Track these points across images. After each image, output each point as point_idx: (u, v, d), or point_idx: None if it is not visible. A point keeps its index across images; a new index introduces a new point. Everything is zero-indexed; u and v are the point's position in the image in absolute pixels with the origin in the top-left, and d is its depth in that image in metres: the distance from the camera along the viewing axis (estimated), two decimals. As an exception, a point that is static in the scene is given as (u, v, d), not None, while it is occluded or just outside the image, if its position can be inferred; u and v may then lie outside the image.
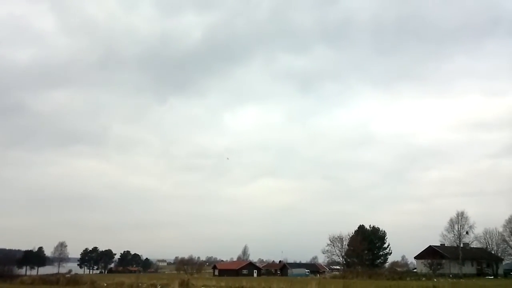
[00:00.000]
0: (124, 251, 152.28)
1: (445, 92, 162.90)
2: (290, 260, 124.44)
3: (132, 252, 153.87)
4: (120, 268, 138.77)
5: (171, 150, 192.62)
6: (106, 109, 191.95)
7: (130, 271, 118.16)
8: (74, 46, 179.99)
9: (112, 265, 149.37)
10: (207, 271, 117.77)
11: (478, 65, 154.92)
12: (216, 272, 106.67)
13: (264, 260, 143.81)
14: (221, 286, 30.06)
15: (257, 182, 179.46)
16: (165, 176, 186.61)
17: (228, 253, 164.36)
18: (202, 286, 29.62)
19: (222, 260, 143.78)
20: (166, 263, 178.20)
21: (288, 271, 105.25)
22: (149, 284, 28.89)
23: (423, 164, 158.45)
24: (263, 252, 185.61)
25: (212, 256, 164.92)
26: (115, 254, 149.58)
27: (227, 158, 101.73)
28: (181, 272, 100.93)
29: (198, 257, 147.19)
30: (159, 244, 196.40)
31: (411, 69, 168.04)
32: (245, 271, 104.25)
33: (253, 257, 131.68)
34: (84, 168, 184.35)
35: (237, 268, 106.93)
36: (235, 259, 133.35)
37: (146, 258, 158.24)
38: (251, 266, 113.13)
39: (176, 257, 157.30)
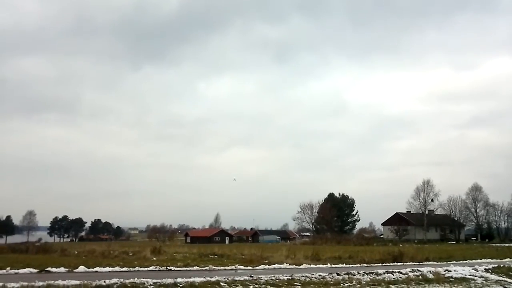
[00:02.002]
0: (95, 220, 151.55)
1: (417, 64, 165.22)
2: (262, 228, 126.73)
3: (103, 221, 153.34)
4: (91, 236, 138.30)
5: (145, 118, 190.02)
6: (78, 77, 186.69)
7: (101, 239, 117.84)
8: (44, 12, 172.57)
9: (83, 233, 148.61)
10: (179, 238, 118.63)
11: (449, 39, 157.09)
12: (188, 240, 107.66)
13: (236, 227, 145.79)
14: (193, 253, 30.39)
15: (230, 151, 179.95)
16: (138, 144, 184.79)
17: (200, 221, 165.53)
18: (174, 253, 29.88)
19: (194, 228, 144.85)
20: (137, 231, 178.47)
21: (260, 238, 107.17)
22: (121, 252, 28.95)
23: (393, 134, 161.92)
24: (235, 220, 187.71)
25: (184, 224, 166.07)
26: (85, 223, 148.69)
27: (234, 179, 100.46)
28: (153, 240, 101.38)
29: (170, 225, 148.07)
30: (131, 213, 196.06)
31: (385, 42, 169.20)
32: (217, 239, 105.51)
33: (225, 225, 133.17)
34: (54, 136, 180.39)
35: (209, 236, 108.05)
36: (207, 227, 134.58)
37: (118, 226, 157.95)
38: (223, 233, 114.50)
39: (148, 225, 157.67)
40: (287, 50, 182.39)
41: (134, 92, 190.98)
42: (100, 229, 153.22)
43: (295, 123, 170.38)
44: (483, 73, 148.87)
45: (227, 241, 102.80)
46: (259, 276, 15.57)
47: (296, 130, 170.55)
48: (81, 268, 17.44)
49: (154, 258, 24.99)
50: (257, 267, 20.27)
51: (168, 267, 19.21)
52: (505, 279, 17.51)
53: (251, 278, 15.24)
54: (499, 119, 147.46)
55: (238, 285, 13.81)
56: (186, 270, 18.55)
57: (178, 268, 19.18)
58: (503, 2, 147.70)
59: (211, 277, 14.74)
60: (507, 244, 61.21)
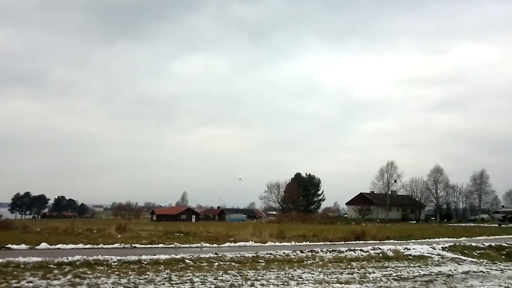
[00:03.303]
0: (59, 197, 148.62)
1: (388, 49, 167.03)
2: (229, 206, 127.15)
3: (67, 198, 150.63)
4: (54, 214, 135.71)
5: (115, 95, 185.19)
6: (47, 51, 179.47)
7: (65, 217, 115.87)
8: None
9: (46, 210, 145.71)
10: (145, 216, 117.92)
11: (420, 24, 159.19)
12: (154, 218, 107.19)
13: (203, 206, 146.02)
14: (158, 231, 30.31)
15: (201, 130, 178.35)
16: (107, 121, 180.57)
17: (167, 199, 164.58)
18: (140, 231, 29.72)
19: (160, 206, 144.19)
20: (102, 209, 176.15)
21: (226, 216, 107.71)
22: (85, 229, 28.54)
23: (362, 116, 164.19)
24: (202, 198, 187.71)
25: (150, 202, 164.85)
26: (48, 200, 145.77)
27: (240, 179, 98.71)
28: (118, 217, 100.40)
29: (136, 203, 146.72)
30: (96, 190, 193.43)
31: (358, 25, 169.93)
32: (183, 217, 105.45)
33: (192, 203, 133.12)
34: (20, 110, 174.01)
35: (175, 214, 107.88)
36: (173, 205, 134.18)
37: (82, 204, 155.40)
38: (189, 211, 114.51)
39: (113, 202, 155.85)
40: (262, 30, 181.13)
41: (104, 68, 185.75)
42: (64, 206, 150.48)
43: (267, 103, 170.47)
44: (452, 58, 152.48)
45: (193, 220, 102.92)
46: (224, 254, 15.71)
47: (268, 110, 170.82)
48: (43, 245, 17.15)
49: (119, 236, 24.79)
50: (223, 245, 20.43)
51: (132, 245, 19.12)
52: (460, 256, 18.29)
53: (216, 255, 15.35)
54: (464, 104, 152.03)
55: (203, 262, 13.91)
56: (151, 247, 18.52)
57: (143, 246, 19.12)
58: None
59: (176, 255, 14.78)
60: (463, 224, 63.80)
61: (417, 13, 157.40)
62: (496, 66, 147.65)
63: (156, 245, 19.45)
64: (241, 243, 21.18)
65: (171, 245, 19.43)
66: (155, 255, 14.35)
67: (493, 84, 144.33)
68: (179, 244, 19.87)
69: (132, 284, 9.81)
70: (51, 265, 11.85)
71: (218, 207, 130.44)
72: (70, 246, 17.53)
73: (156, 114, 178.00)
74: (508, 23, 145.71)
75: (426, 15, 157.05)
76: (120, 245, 18.87)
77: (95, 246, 17.97)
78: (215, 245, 20.34)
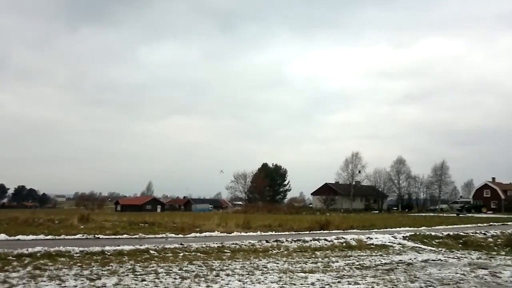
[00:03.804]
0: (19, 186, 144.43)
1: (357, 41, 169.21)
2: (195, 196, 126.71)
3: (28, 187, 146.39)
4: (14, 204, 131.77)
5: (80, 82, 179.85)
6: (7, 35, 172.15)
7: (26, 207, 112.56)
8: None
9: (5, 200, 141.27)
10: (109, 206, 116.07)
11: (388, 17, 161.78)
12: (119, 208, 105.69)
13: (169, 196, 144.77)
14: (122, 221, 29.88)
15: (168, 119, 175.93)
16: (71, 109, 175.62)
17: (132, 189, 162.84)
18: (103, 221, 29.24)
19: (125, 196, 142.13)
20: (65, 199, 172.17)
21: (192, 206, 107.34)
22: (46, 220, 27.83)
23: (329, 108, 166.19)
24: (168, 188, 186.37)
25: (114, 192, 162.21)
26: (8, 189, 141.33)
27: (221, 171, 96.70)
28: (81, 207, 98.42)
29: (100, 193, 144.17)
30: (59, 179, 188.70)
31: (328, 17, 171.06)
32: (148, 207, 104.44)
33: (158, 193, 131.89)
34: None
35: (140, 204, 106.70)
36: (138, 195, 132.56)
37: (44, 194, 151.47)
38: (154, 201, 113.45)
39: (76, 192, 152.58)
40: (233, 20, 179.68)
41: (69, 54, 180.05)
42: (25, 196, 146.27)
43: (236, 93, 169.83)
44: (417, 52, 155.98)
45: (159, 210, 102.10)
46: (190, 244, 15.67)
47: (236, 100, 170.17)
48: (2, 236, 16.66)
49: (82, 226, 24.33)
50: (188, 235, 20.39)
51: (96, 235, 18.80)
52: (420, 245, 18.86)
53: (181, 246, 15.30)
54: (427, 97, 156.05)
55: (168, 253, 13.83)
56: (115, 238, 18.27)
57: (107, 236, 18.84)
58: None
59: (141, 245, 14.63)
60: (424, 214, 65.81)
61: (385, 6, 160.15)
62: (460, 60, 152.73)
63: (120, 236, 19.21)
64: (207, 234, 21.19)
65: (135, 236, 19.24)
66: (119, 246, 14.17)
67: (456, 78, 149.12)
68: (143, 235, 19.70)
69: (95, 276, 9.65)
70: (10, 257, 11.52)
71: (184, 197, 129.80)
72: (31, 237, 17.09)
73: (122, 102, 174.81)
74: (472, 18, 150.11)
75: (393, 8, 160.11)
76: (83, 236, 18.52)
77: (56, 237, 17.58)
78: (180, 235, 20.28)
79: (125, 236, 19.20)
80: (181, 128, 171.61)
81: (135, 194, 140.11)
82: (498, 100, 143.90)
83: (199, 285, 8.92)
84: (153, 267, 11.08)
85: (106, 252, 13.09)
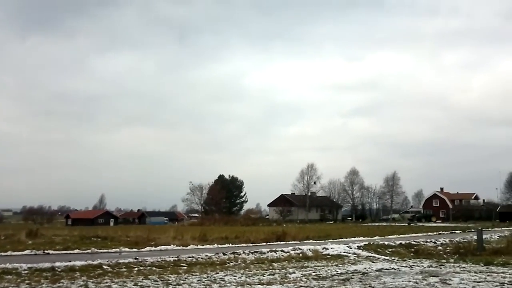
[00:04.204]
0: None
1: (312, 54, 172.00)
2: (149, 209, 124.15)
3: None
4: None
5: (31, 92, 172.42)
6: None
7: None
8: None
9: None
10: (59, 221, 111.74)
11: (342, 32, 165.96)
12: (69, 222, 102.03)
13: (122, 209, 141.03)
14: (73, 236, 28.82)
15: (123, 130, 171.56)
16: (21, 120, 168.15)
17: (83, 203, 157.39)
18: (53, 236, 28.10)
19: (76, 210, 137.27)
20: (12, 213, 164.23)
21: (147, 219, 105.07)
22: (-9, 235, 26.50)
23: (285, 119, 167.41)
24: (122, 201, 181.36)
25: (65, 206, 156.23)
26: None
27: (190, 183, 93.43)
28: (29, 222, 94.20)
29: (49, 206, 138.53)
30: (5, 193, 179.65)
31: (286, 31, 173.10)
32: (101, 220, 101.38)
33: (111, 206, 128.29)
34: None
35: (92, 218, 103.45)
36: (90, 209, 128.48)
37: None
38: (107, 215, 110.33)
39: (23, 206, 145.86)
40: (190, 31, 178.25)
41: (19, 63, 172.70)
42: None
43: (194, 104, 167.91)
44: (369, 66, 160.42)
45: (112, 223, 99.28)
46: (145, 258, 15.31)
47: (194, 112, 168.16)
48: None
49: (30, 242, 23.24)
50: (143, 249, 19.91)
51: (45, 251, 18.02)
52: (374, 255, 19.28)
53: (136, 260, 14.92)
54: (377, 110, 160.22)
55: (122, 268, 13.45)
56: (66, 253, 17.58)
57: (57, 252, 18.11)
58: (387, 2, 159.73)
59: (93, 260, 14.16)
60: (377, 224, 67.51)
61: (339, 21, 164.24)
62: (408, 75, 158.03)
63: (71, 251, 18.49)
64: (163, 247, 20.78)
65: (87, 251, 18.58)
66: (70, 261, 13.64)
67: (405, 91, 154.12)
68: (96, 250, 19.05)
69: (45, 294, 9.25)
70: (-49, 276, 10.85)
71: (138, 210, 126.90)
72: (-26, 254, 16.18)
73: (75, 113, 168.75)
74: (420, 35, 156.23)
75: (347, 23, 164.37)
76: (31, 251, 17.69)
77: (2, 254, 16.71)
78: (135, 249, 19.77)
79: (76, 251, 18.50)
80: (137, 140, 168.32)
81: (86, 207, 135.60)
82: (445, 113, 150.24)
83: (155, 301, 8.71)
84: (106, 283, 10.73)
85: (56, 268, 12.57)
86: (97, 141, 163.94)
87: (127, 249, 19.64)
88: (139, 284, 10.63)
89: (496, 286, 10.49)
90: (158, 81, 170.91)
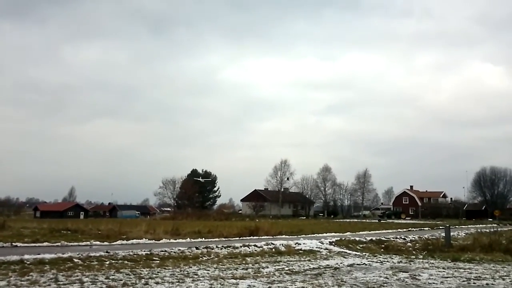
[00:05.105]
0: None
1: (286, 52, 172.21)
2: (121, 203, 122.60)
3: None
4: None
5: None
6: None
7: None
8: None
9: None
10: (27, 213, 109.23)
11: (316, 31, 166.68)
12: (38, 214, 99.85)
13: (93, 202, 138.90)
14: (42, 228, 28.25)
15: (94, 122, 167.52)
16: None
17: (52, 195, 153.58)
18: (21, 228, 27.50)
19: (45, 202, 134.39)
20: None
21: (118, 213, 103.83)
22: (-45, 227, 25.72)
23: (260, 115, 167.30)
24: (92, 194, 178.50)
25: (33, 198, 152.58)
26: None
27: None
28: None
29: (17, 198, 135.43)
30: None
31: (259, 27, 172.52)
32: (70, 213, 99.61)
33: (81, 199, 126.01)
34: None
35: (62, 210, 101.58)
36: (60, 201, 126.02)
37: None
38: (77, 207, 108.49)
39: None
40: (165, 24, 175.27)
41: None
42: None
43: (167, 98, 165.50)
44: (342, 65, 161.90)
45: (82, 216, 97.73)
46: (116, 252, 15.14)
47: (167, 105, 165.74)
48: None
49: (-3, 234, 22.68)
50: (114, 243, 19.70)
51: (13, 243, 17.64)
52: (345, 250, 19.56)
53: (107, 253, 14.74)
54: (350, 109, 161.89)
55: (93, 261, 13.25)
56: (35, 246, 17.23)
57: (26, 244, 17.74)
58: (362, 3, 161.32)
59: (63, 253, 13.91)
60: (348, 220, 68.46)
61: (313, 21, 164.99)
62: (381, 75, 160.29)
63: (40, 244, 18.15)
64: (134, 241, 20.62)
65: (57, 244, 18.27)
66: (39, 254, 13.38)
67: (377, 91, 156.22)
68: (66, 243, 18.75)
69: (13, 287, 9.03)
70: None
71: (109, 203, 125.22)
72: None
73: (44, 103, 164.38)
74: (393, 36, 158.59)
75: (321, 22, 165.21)
76: (-2, 244, 17.29)
77: (-33, 246, 16.27)
78: (106, 243, 19.56)
79: (46, 244, 18.16)
80: (108, 132, 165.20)
81: (56, 200, 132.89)
82: (416, 113, 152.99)
83: (127, 294, 8.61)
84: (77, 276, 10.56)
85: (25, 261, 12.30)
86: (67, 133, 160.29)
87: (98, 243, 19.39)
88: (111, 277, 10.49)
89: (463, 281, 10.79)
90: (131, 73, 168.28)
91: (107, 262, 13.22)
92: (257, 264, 13.89)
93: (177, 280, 10.33)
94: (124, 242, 20.28)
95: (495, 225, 44.67)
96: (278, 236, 25.12)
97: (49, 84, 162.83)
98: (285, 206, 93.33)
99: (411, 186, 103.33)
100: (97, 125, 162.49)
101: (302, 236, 25.45)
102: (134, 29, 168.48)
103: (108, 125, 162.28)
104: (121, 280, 10.18)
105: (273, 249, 18.35)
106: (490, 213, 78.03)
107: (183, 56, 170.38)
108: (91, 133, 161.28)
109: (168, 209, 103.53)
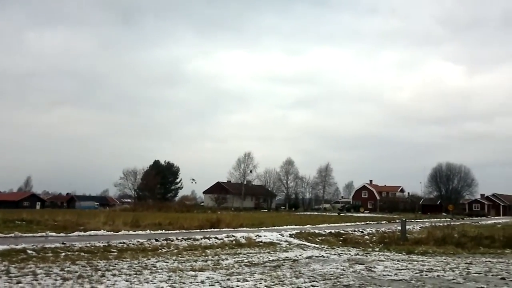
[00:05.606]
0: None
1: (255, 46, 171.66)
2: (79, 193, 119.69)
3: None
4: None
5: None
6: None
7: None
8: None
9: None
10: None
11: (284, 25, 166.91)
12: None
13: (50, 192, 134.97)
14: (-4, 219, 27.30)
15: (55, 110, 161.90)
16: None
17: (7, 184, 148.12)
18: (-28, 219, 26.46)
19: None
20: None
21: (76, 203, 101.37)
22: None
23: (226, 108, 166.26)
24: (50, 184, 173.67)
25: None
26: None
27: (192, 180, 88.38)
28: None
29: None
30: None
31: (229, 20, 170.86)
32: (26, 203, 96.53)
33: (38, 189, 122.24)
34: None
35: (16, 200, 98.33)
36: (15, 191, 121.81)
37: None
38: (33, 197, 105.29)
39: None
40: (133, 13, 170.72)
41: None
42: None
43: (132, 87, 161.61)
44: (308, 60, 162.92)
45: (38, 207, 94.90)
46: (73, 243, 14.82)
47: (132, 95, 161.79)
48: None
49: None
50: (71, 234, 19.29)
51: (-37, 234, 16.96)
52: (305, 242, 19.85)
53: (63, 245, 14.40)
54: (315, 104, 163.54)
55: (48, 253, 12.91)
56: (-14, 237, 16.63)
57: (-24, 235, 17.10)
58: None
59: (17, 245, 13.51)
60: (309, 213, 69.45)
61: (283, 15, 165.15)
62: (346, 71, 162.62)
63: (-8, 235, 17.53)
64: (92, 232, 20.25)
65: (10, 235, 17.70)
66: (-10, 245, 12.93)
67: (342, 87, 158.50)
68: (20, 233, 18.17)
69: (-39, 279, 8.69)
70: None
71: (67, 193, 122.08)
72: None
73: (3, 91, 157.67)
74: (360, 33, 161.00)
75: (289, 17, 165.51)
76: None
77: None
78: (62, 234, 19.13)
79: (-2, 235, 17.56)
80: (69, 121, 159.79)
81: (11, 189, 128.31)
82: (378, 109, 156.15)
83: (83, 286, 8.44)
84: (30, 268, 10.26)
85: (-26, 253, 11.86)
86: (25, 121, 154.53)
87: (54, 234, 18.91)
88: (66, 269, 10.25)
89: (416, 273, 11.16)
90: (97, 61, 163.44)
91: (63, 254, 12.92)
92: (217, 256, 13.90)
93: (134, 272, 10.21)
94: (82, 233, 19.88)
95: (449, 219, 46.37)
96: (239, 229, 25.20)
97: (10, 71, 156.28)
98: (248, 199, 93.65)
99: (371, 181, 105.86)
100: (58, 113, 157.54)
101: (263, 228, 25.63)
102: (101, 17, 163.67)
103: (70, 113, 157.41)
104: (77, 272, 9.97)
105: (234, 241, 18.40)
106: (444, 208, 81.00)
107: (151, 46, 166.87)
108: (50, 122, 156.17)
109: (129, 200, 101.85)
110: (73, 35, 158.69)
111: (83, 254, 13.22)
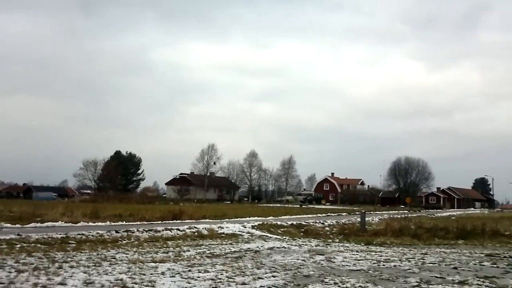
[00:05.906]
0: None
1: (222, 37, 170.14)
2: (37, 184, 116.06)
3: None
4: None
5: None
6: None
7: None
8: None
9: None
10: None
11: (252, 18, 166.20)
12: None
13: (6, 182, 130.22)
14: None
15: (11, 97, 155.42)
16: None
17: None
18: None
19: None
20: None
21: (33, 194, 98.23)
22: None
23: (192, 99, 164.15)
24: (5, 174, 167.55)
25: None
26: None
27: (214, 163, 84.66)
28: None
29: None
30: None
31: (196, 11, 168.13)
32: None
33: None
34: None
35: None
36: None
37: None
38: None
39: None
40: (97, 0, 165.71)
41: None
42: None
43: (94, 76, 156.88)
44: (275, 53, 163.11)
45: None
46: (29, 235, 14.40)
47: (94, 84, 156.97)
48: None
49: None
50: (28, 225, 18.73)
51: None
52: (267, 234, 20.03)
53: (19, 236, 13.98)
54: (281, 96, 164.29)
55: (2, 245, 12.50)
56: None
57: None
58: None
59: (-32, 237, 13.00)
60: (271, 205, 70.00)
61: (251, 8, 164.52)
62: (312, 65, 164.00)
63: None
64: (50, 223, 19.75)
65: (-38, 226, 17.01)
66: None
67: (307, 80, 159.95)
68: (-28, 225, 17.52)
69: None
70: None
71: (24, 184, 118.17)
72: None
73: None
74: (324, 28, 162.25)
75: (258, 10, 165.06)
76: None
77: None
78: (18, 225, 18.56)
79: None
80: (26, 109, 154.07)
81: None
82: (341, 104, 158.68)
83: (39, 278, 8.20)
84: (-17, 260, 9.91)
85: None
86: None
87: (9, 225, 18.35)
88: (21, 261, 9.96)
89: (374, 263, 11.47)
90: (57, 48, 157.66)
91: (18, 246, 12.54)
92: (178, 248, 13.84)
93: (93, 264, 10.03)
94: (38, 224, 19.35)
95: (406, 211, 47.81)
96: (202, 220, 25.14)
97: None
98: (211, 191, 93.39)
99: (332, 173, 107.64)
100: (14, 100, 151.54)
101: (225, 220, 25.66)
102: (63, 3, 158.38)
103: (27, 101, 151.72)
104: (33, 264, 9.70)
105: (196, 233, 18.35)
106: (402, 200, 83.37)
107: (114, 34, 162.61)
108: (5, 110, 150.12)
109: (89, 191, 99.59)
110: (33, 20, 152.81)
111: (39, 245, 12.87)
